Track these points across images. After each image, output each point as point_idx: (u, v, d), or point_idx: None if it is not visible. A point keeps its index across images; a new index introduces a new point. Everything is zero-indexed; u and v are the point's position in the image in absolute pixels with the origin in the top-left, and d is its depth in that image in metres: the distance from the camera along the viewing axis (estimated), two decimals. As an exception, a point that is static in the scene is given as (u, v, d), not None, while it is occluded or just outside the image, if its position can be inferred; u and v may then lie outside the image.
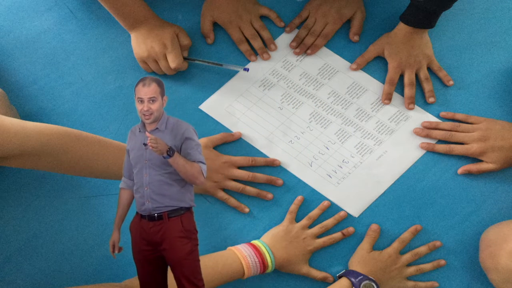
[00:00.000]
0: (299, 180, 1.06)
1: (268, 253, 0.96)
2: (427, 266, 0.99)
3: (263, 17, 1.18)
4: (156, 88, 0.74)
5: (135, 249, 0.75)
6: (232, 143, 1.08)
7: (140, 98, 0.73)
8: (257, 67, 1.14)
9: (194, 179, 0.76)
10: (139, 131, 0.75)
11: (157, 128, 0.75)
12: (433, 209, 1.03)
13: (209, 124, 1.10)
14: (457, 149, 1.06)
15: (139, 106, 0.74)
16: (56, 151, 0.87)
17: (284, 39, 1.17)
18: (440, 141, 1.08)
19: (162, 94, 0.75)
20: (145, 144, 0.74)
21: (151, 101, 0.74)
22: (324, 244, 1.00)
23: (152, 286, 0.76)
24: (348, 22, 1.17)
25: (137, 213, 0.76)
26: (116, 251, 0.77)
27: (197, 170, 0.76)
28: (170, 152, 0.74)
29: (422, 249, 1.00)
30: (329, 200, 1.04)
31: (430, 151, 1.07)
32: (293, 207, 1.03)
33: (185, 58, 1.12)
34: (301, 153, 1.08)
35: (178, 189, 0.75)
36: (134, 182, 0.76)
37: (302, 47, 1.15)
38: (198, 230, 1.04)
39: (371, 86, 1.13)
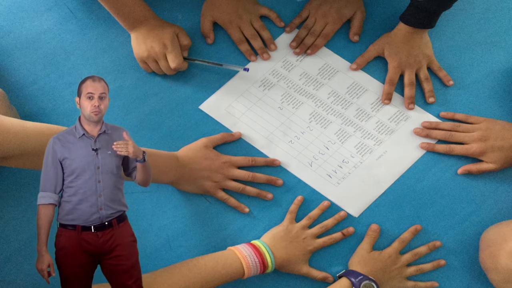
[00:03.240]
0: (299, 180, 1.06)
1: (268, 253, 0.96)
2: (427, 266, 0.99)
3: (263, 17, 1.18)
4: (105, 85, 0.73)
5: (70, 264, 0.72)
6: (232, 143, 1.08)
7: (91, 93, 0.71)
8: (257, 67, 1.14)
9: (149, 181, 0.77)
10: (82, 135, 0.73)
11: (104, 131, 0.74)
12: (433, 209, 1.03)
13: (209, 124, 1.10)
14: (457, 149, 1.06)
15: (87, 103, 0.72)
16: (56, 151, 0.86)
17: (284, 39, 1.17)
18: (440, 141, 1.08)
19: (108, 93, 0.74)
20: (95, 150, 0.72)
21: (101, 98, 0.73)
22: (324, 244, 1.00)
23: None
24: (348, 22, 1.17)
25: (69, 226, 0.72)
26: (53, 274, 0.72)
27: (151, 172, 0.77)
28: (144, 155, 0.73)
29: (422, 249, 1.00)
30: (329, 200, 1.04)
31: (430, 151, 1.07)
32: (293, 207, 1.03)
33: (185, 58, 1.12)
34: (301, 153, 1.08)
35: (122, 193, 0.75)
36: (58, 196, 0.72)
37: (302, 47, 1.15)
38: (198, 230, 1.05)
39: (371, 86, 1.13)
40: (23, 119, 0.89)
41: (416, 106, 1.11)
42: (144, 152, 0.74)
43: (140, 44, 1.10)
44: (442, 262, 1.00)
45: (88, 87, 0.72)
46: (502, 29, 1.17)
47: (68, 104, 1.12)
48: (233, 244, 0.98)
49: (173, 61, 1.08)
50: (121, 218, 0.75)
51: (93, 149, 0.72)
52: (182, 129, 1.09)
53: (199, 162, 1.02)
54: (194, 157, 1.02)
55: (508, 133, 1.04)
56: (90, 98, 0.72)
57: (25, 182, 1.05)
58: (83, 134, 0.73)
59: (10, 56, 1.16)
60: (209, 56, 1.15)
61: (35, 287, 0.98)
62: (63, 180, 0.73)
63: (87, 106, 0.72)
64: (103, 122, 0.74)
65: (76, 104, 0.74)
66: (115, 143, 0.72)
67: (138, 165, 0.74)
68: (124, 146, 0.72)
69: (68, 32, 1.18)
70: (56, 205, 0.73)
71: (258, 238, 1.00)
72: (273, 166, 1.07)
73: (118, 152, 0.72)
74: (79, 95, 0.73)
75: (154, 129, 1.09)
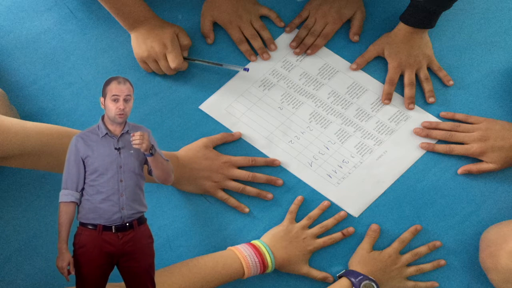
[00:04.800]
0: (299, 180, 1.06)
1: (268, 253, 0.96)
2: (427, 266, 0.99)
3: (263, 17, 1.18)
4: (130, 87, 0.74)
5: (89, 264, 0.72)
6: (232, 143, 1.08)
7: (116, 95, 0.72)
8: (257, 67, 1.14)
9: (168, 177, 0.77)
10: (105, 135, 0.73)
11: (127, 131, 0.74)
12: (433, 209, 1.03)
13: (209, 124, 1.10)
14: (457, 149, 1.06)
15: (112, 105, 0.72)
16: (56, 151, 0.86)
17: (284, 39, 1.17)
18: (440, 141, 1.08)
19: (133, 94, 0.74)
20: (117, 149, 0.73)
21: (126, 100, 0.73)
22: (324, 244, 1.00)
23: None
24: (348, 22, 1.17)
25: (90, 225, 0.72)
26: (73, 273, 0.72)
27: (170, 168, 0.77)
28: (152, 150, 0.73)
29: (422, 249, 1.00)
30: (329, 200, 1.04)
31: (430, 151, 1.07)
32: (293, 207, 1.03)
33: (185, 58, 1.12)
34: (301, 153, 1.08)
35: (143, 193, 0.75)
36: (79, 194, 0.72)
37: (302, 47, 1.15)
38: (198, 230, 1.05)
39: (371, 86, 1.13)
40: (23, 119, 0.89)
41: (416, 106, 1.11)
42: (152, 146, 0.74)
43: (140, 44, 1.10)
44: (442, 262, 1.00)
45: (113, 89, 0.72)
46: (502, 29, 1.17)
47: (68, 104, 1.12)
48: (233, 244, 0.98)
49: (173, 61, 1.08)
50: (142, 220, 0.75)
51: (115, 148, 0.73)
52: (182, 129, 1.09)
53: (199, 162, 1.02)
54: (194, 157, 1.02)
55: (508, 133, 1.04)
56: (116, 100, 0.72)
57: (25, 182, 1.05)
58: (106, 133, 0.73)
59: (10, 56, 1.16)
60: (209, 56, 1.15)
61: (35, 287, 0.98)
62: (85, 178, 0.73)
63: (112, 109, 0.72)
64: (126, 122, 0.74)
65: (100, 104, 0.74)
66: (133, 134, 0.72)
67: (149, 159, 0.74)
68: (140, 139, 0.71)
69: (68, 32, 1.18)
70: (77, 204, 0.73)
71: (258, 238, 1.00)
72: (273, 166, 1.07)
73: (133, 145, 0.72)
74: (103, 95, 0.73)
75: (154, 129, 1.07)
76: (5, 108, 1.01)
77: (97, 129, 0.74)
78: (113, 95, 0.72)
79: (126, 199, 0.72)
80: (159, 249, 1.00)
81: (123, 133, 0.74)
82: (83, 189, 0.73)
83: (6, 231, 1.02)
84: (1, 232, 1.02)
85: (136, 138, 0.72)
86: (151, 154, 0.73)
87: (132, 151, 0.73)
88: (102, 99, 0.73)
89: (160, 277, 0.88)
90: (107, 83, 0.73)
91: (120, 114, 0.72)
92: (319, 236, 1.01)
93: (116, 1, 1.07)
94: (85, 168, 0.73)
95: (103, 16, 1.17)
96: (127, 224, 0.73)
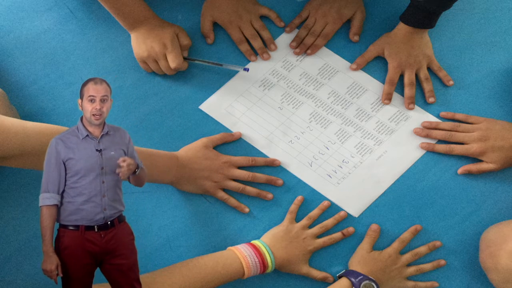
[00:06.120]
0: (299, 180, 1.06)
1: (268, 253, 0.96)
2: (427, 266, 0.99)
3: (263, 17, 1.18)
4: (107, 87, 0.74)
5: (74, 265, 0.72)
6: (232, 143, 1.08)
7: (92, 96, 0.72)
8: (257, 67, 1.14)
9: (143, 183, 0.78)
10: (86, 136, 0.73)
11: (107, 132, 0.74)
12: (433, 209, 1.03)
13: (209, 124, 1.10)
14: (457, 149, 1.06)
15: (89, 106, 0.72)
16: (56, 151, 0.86)
17: (284, 39, 1.17)
18: (440, 141, 1.08)
19: (111, 95, 0.74)
20: (99, 150, 0.73)
21: (102, 101, 0.73)
22: (324, 244, 1.00)
23: None
24: (348, 22, 1.17)
25: (71, 226, 0.72)
26: (61, 275, 0.72)
27: (146, 174, 0.78)
28: (137, 170, 0.74)
29: (422, 249, 1.00)
30: (329, 200, 1.04)
31: (430, 151, 1.07)
32: (293, 207, 1.03)
33: (185, 58, 1.12)
34: (301, 153, 1.08)
35: (121, 192, 0.75)
36: (60, 196, 0.72)
37: (302, 47, 1.15)
38: (198, 230, 1.05)
39: (371, 86, 1.13)
40: (23, 119, 0.89)
41: (416, 106, 1.11)
42: (136, 167, 0.74)
43: (140, 44, 1.10)
44: (442, 262, 1.00)
45: (90, 89, 0.72)
46: (502, 29, 1.18)
47: (68, 104, 1.12)
48: (233, 244, 0.98)
49: (173, 61, 1.08)
50: (121, 218, 0.76)
51: (97, 150, 0.73)
52: (182, 129, 1.09)
53: (199, 162, 1.02)
54: (194, 157, 1.02)
55: (508, 133, 1.04)
56: (92, 101, 0.72)
57: (25, 182, 1.05)
58: (87, 135, 0.73)
59: (10, 56, 1.16)
60: (209, 56, 1.15)
61: (35, 287, 0.98)
62: (65, 180, 0.72)
63: (88, 109, 0.72)
64: (105, 123, 0.74)
65: (78, 106, 0.74)
66: (119, 162, 0.72)
67: (131, 176, 0.75)
68: (127, 168, 0.72)
69: (68, 32, 1.18)
70: (58, 206, 0.73)
71: (258, 238, 1.00)
72: (273, 166, 1.07)
73: (121, 176, 0.73)
74: (81, 97, 0.73)
75: (154, 129, 1.10)
76: (5, 108, 1.01)
77: (76, 131, 0.73)
78: (90, 96, 0.72)
79: (108, 199, 0.73)
80: (159, 249, 1.01)
81: (103, 134, 0.74)
82: (63, 191, 0.73)
83: (6, 231, 1.02)
84: (1, 232, 1.02)
85: (124, 170, 0.72)
86: (134, 173, 0.74)
87: (113, 152, 0.74)
88: (79, 100, 0.73)
89: (160, 277, 0.88)
90: (84, 84, 0.73)
91: (95, 115, 0.72)
92: (319, 236, 1.01)
93: (116, 1, 1.07)
94: (66, 170, 0.72)
95: (103, 16, 1.17)
96: (109, 222, 0.73)
